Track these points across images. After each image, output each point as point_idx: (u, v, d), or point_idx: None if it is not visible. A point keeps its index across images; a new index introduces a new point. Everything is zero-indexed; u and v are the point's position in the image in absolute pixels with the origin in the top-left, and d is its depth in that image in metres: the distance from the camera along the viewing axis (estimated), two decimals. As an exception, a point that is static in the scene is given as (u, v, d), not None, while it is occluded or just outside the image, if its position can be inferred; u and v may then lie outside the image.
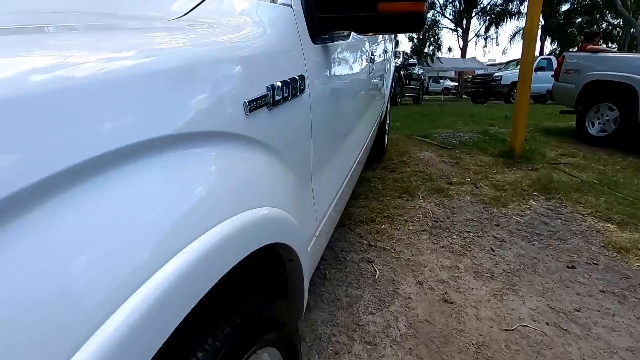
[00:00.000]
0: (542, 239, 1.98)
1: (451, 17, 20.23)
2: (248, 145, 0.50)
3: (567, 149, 3.78)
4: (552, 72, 5.15)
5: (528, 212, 2.31)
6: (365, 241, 1.94)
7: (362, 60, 1.32)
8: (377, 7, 0.79)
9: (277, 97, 0.56)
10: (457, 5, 20.13)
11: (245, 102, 0.47)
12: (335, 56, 0.95)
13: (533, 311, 1.42)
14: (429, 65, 18.21)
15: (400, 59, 9.63)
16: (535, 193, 2.59)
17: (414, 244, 1.92)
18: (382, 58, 2.12)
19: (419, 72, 11.46)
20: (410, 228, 2.08)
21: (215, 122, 0.43)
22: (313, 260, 0.90)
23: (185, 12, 0.55)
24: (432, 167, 3.11)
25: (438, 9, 20.37)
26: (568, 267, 1.73)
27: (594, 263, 1.76)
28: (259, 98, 0.50)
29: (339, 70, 0.99)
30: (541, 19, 20.85)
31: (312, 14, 0.77)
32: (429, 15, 20.22)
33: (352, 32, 1.16)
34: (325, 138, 0.88)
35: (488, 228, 2.10)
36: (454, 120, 5.79)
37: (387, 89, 2.75)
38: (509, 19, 19.43)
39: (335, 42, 0.95)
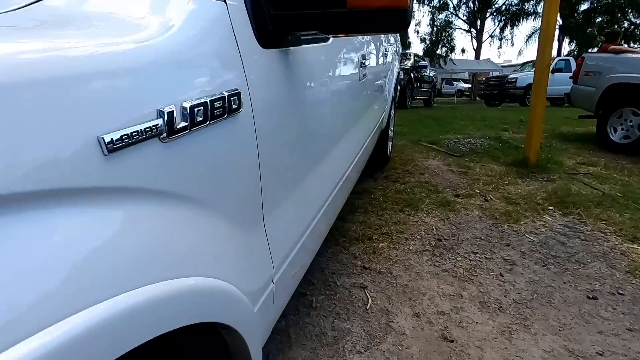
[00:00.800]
0: (558, 262, 1.78)
1: (464, 18, 19.83)
2: (120, 198, 0.35)
3: (587, 157, 3.52)
4: (571, 74, 4.87)
5: (543, 229, 2.10)
6: (359, 262, 1.77)
7: (347, 65, 1.16)
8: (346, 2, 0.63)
9: (181, 124, 0.41)
10: (471, 5, 19.72)
11: (100, 139, 0.32)
12: (304, 63, 0.79)
13: (547, 354, 1.23)
14: (441, 67, 17.87)
15: (411, 61, 9.41)
16: (551, 207, 2.37)
17: (414, 266, 1.74)
18: (381, 62, 1.95)
19: (431, 75, 11.20)
20: (411, 247, 1.90)
21: (43, 175, 0.28)
22: (271, 314, 0.74)
23: (31, 1, 0.39)
24: (439, 177, 2.91)
25: (451, 10, 20.00)
26: (589, 297, 1.52)
27: (618, 293, 1.55)
28: (136, 130, 0.35)
29: (309, 79, 0.83)
30: (559, 18, 20.20)
31: (262, 11, 0.61)
32: (442, 16, 19.87)
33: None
34: (286, 163, 0.72)
35: (497, 248, 1.90)
36: (465, 124, 5.56)
37: (389, 94, 2.57)
38: (525, 19, 18.92)
39: (303, 46, 0.79)
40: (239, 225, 0.55)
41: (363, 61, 1.33)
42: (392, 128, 3.27)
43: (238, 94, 0.51)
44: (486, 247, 1.91)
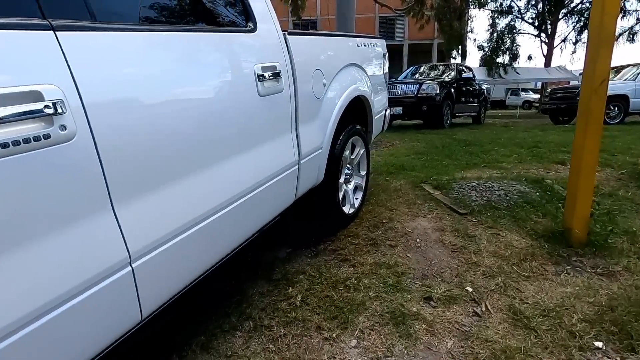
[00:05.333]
0: None
1: (531, 21, 17.55)
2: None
3: (686, 222, 2.21)
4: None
5: (570, 412, 1.05)
6: None
7: None
8: None
9: None
10: (541, 6, 17.40)
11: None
12: None
13: None
14: (501, 77, 15.85)
15: (453, 73, 8.14)
16: (601, 344, 1.28)
17: None
18: (267, 86, 1.11)
19: (482, 87, 9.71)
20: None
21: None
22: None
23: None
24: (417, 254, 1.91)
25: (516, 13, 17.89)
26: None
27: None
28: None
29: None
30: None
31: None
32: (505, 21, 17.82)
33: None
34: None
35: None
36: (505, 153, 4.30)
37: (324, 135, 1.68)
38: (608, 19, 16.07)
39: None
40: None
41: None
42: (361, 173, 2.34)
43: None
44: None
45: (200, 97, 0.94)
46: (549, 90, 10.70)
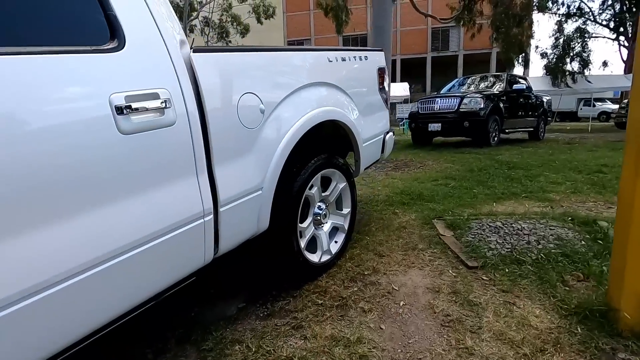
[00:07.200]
0: None
1: (606, 23, 15.57)
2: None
3: None
4: None
5: None
6: None
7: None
8: None
9: None
10: (619, 6, 15.40)
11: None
12: None
13: None
14: (568, 87, 14.13)
15: (502, 85, 7.30)
16: None
17: None
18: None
19: (541, 99, 8.63)
20: None
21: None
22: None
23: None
24: (393, 324, 1.46)
25: (588, 16, 16.04)
26: None
27: None
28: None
29: None
30: None
31: None
32: (574, 25, 16.03)
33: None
34: None
35: None
36: (555, 180, 3.58)
37: (268, 173, 1.35)
38: None
39: None
40: None
41: None
42: (343, 212, 1.95)
43: None
44: None
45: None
46: (625, 100, 9.19)
